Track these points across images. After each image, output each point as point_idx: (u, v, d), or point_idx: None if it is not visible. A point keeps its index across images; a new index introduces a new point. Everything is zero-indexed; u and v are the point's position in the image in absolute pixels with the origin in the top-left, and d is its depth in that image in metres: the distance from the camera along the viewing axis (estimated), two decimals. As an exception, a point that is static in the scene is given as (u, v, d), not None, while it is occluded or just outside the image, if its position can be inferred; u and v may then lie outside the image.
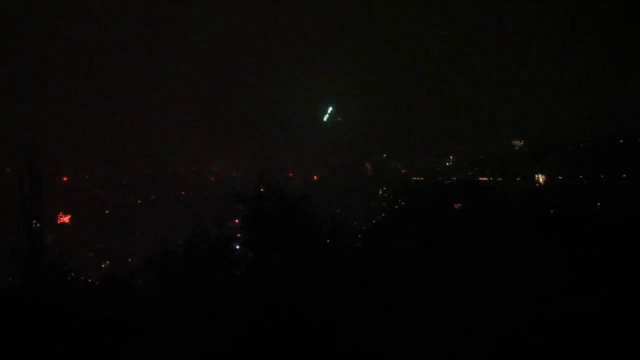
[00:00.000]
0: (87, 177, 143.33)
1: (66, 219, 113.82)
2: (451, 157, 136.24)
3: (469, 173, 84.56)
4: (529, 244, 21.37)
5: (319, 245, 26.32)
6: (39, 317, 17.10)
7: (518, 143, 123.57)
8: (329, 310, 20.00)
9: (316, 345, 18.49)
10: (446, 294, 19.88)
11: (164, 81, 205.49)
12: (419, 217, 26.67)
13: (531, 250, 21.09)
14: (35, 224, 66.68)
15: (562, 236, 21.65)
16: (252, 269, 24.82)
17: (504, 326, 18.40)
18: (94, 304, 18.88)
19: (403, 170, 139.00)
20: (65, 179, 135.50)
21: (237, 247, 26.81)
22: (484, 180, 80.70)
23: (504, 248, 21.48)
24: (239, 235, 27.37)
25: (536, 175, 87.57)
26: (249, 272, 24.76)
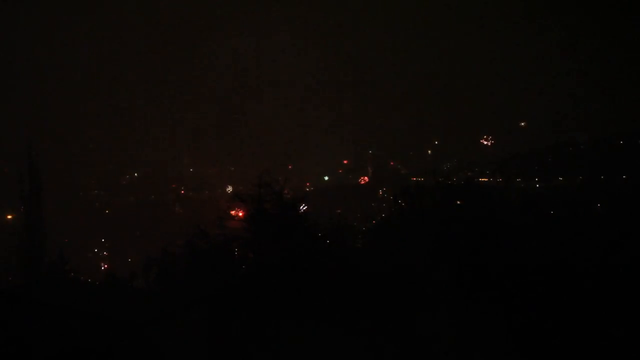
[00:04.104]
0: (87, 177, 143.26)
1: (66, 219, 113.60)
2: (450, 160, 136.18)
3: (468, 174, 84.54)
4: (530, 246, 21.37)
5: (319, 245, 26.32)
6: (39, 317, 17.09)
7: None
8: (329, 309, 19.99)
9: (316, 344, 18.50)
10: (446, 297, 19.87)
11: (164, 82, 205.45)
12: (419, 218, 26.66)
13: (531, 253, 21.09)
14: (35, 224, 66.44)
15: (562, 237, 21.65)
16: (252, 269, 24.81)
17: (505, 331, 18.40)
18: (94, 304, 18.87)
19: (403, 171, 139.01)
20: (65, 179, 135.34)
21: (237, 247, 26.76)
22: (484, 180, 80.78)
23: (504, 249, 21.48)
24: (239, 235, 27.33)
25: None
26: (249, 273, 24.74)
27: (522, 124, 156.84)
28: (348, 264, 22.91)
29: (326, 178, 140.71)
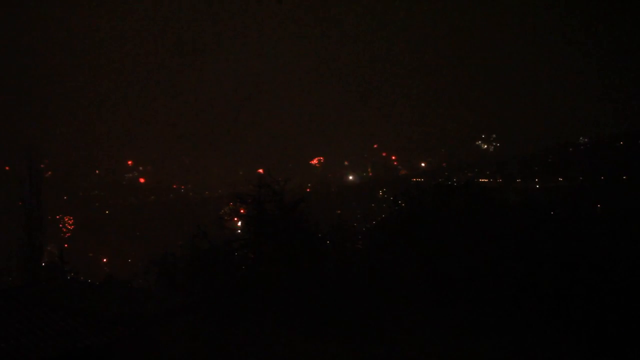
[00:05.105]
0: (87, 177, 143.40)
1: (66, 219, 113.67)
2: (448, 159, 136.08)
3: (469, 175, 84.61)
4: (530, 247, 21.37)
5: (319, 245, 26.33)
6: (39, 317, 17.09)
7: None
8: (329, 309, 20.00)
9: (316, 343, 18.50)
10: (445, 296, 19.89)
11: (165, 82, 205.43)
12: (419, 218, 26.67)
13: (531, 253, 21.09)
14: (35, 224, 66.48)
15: (562, 238, 21.65)
16: (253, 269, 24.81)
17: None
18: (94, 304, 18.85)
19: (403, 172, 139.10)
20: (65, 179, 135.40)
21: (238, 248, 26.77)
22: (484, 181, 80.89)
23: (504, 250, 21.49)
24: (239, 235, 27.35)
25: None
26: (249, 273, 24.74)
27: (522, 124, 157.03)
28: (348, 265, 22.92)
29: (326, 178, 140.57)
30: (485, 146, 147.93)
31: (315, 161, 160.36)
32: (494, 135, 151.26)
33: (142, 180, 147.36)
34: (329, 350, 18.28)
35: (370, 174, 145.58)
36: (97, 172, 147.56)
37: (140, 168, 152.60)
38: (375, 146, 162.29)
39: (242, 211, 26.92)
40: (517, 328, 18.66)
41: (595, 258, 20.73)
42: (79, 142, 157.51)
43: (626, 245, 21.63)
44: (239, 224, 27.82)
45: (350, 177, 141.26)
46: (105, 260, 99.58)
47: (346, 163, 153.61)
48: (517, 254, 21.09)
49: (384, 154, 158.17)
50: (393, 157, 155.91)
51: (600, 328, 18.35)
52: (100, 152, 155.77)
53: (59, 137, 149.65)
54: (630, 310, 18.57)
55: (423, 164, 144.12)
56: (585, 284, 19.67)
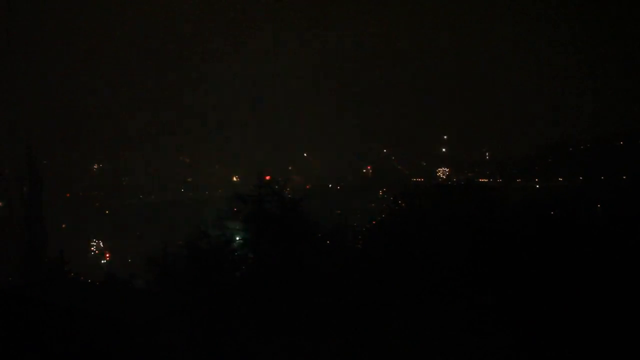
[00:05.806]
0: (87, 177, 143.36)
1: (66, 219, 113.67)
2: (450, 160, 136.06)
3: (469, 174, 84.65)
4: (530, 247, 21.38)
5: (319, 245, 26.34)
6: (39, 317, 17.12)
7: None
8: (329, 309, 20.01)
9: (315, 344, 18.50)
10: (444, 296, 19.90)
11: (165, 82, 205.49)
12: (418, 218, 26.70)
13: (531, 253, 21.10)
14: (35, 223, 66.67)
15: (563, 240, 21.65)
16: (252, 269, 24.83)
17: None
18: (94, 304, 18.87)
19: (404, 172, 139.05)
20: (65, 179, 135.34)
21: (237, 248, 26.77)
22: (484, 181, 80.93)
23: (504, 250, 21.50)
24: (239, 236, 27.35)
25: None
26: (249, 273, 24.76)
27: (523, 124, 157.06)
28: (348, 264, 22.91)
29: (327, 177, 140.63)
30: (485, 147, 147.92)
31: (315, 160, 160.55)
32: (494, 136, 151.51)
33: (143, 180, 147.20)
34: (328, 350, 18.29)
35: (370, 174, 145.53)
36: (96, 171, 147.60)
37: (141, 168, 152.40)
38: (375, 145, 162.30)
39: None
40: (517, 328, 18.67)
41: (595, 258, 20.74)
42: (78, 142, 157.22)
43: (626, 245, 21.64)
44: (239, 224, 27.82)
45: (350, 177, 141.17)
46: (105, 259, 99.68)
47: (346, 162, 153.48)
48: (516, 254, 21.10)
49: (383, 154, 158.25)
50: (393, 157, 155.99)
51: (600, 328, 18.36)
52: (100, 152, 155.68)
53: (58, 137, 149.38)
54: (631, 310, 18.59)
55: (423, 164, 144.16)
56: (585, 284, 19.67)
